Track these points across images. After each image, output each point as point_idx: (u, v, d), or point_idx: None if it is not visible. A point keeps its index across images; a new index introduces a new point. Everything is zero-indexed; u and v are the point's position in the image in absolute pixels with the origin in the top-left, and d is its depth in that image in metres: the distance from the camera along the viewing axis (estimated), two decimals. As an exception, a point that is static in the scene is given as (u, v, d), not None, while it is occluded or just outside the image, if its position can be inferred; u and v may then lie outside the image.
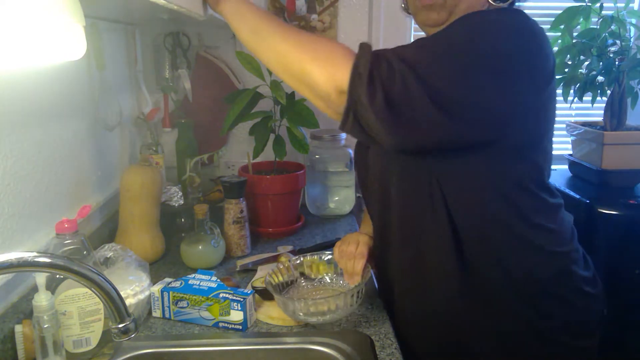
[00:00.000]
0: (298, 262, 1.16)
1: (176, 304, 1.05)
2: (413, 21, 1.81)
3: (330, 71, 0.82)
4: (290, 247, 1.41)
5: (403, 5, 1.07)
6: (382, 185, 1.00)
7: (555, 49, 1.73)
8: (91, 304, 0.91)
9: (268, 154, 1.53)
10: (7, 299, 0.95)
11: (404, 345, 0.99)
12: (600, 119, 1.79)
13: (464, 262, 0.93)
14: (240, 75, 1.79)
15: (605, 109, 1.71)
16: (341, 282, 1.14)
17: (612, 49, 1.66)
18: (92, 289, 0.71)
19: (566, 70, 1.71)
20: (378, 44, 1.79)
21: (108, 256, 1.09)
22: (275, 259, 1.31)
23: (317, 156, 1.70)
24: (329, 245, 1.41)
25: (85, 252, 0.95)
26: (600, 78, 1.68)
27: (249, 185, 1.44)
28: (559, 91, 1.74)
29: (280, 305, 1.02)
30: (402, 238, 0.99)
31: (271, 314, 1.06)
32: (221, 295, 1.02)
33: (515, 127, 0.86)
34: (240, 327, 1.01)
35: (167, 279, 1.11)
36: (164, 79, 1.74)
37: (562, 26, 1.70)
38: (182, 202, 1.50)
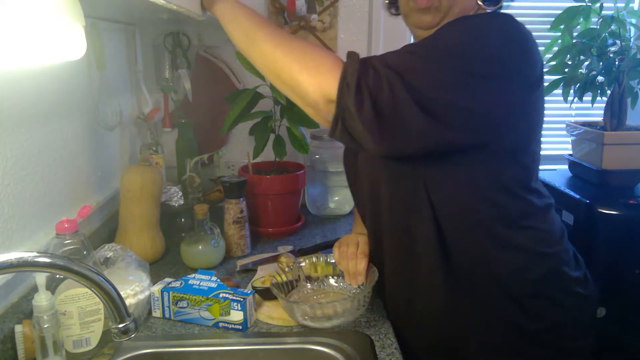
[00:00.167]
0: (303, 264, 1.15)
1: (176, 304, 1.05)
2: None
3: (319, 80, 0.83)
4: (290, 247, 1.41)
5: (387, 2, 1.07)
6: (372, 188, 1.01)
7: (555, 49, 1.73)
8: (91, 304, 0.91)
9: (268, 154, 1.53)
10: (7, 299, 0.95)
11: (401, 344, 0.99)
12: (600, 119, 1.79)
13: (451, 264, 0.93)
14: (240, 75, 1.79)
15: (605, 109, 1.71)
16: (342, 284, 1.13)
17: (612, 49, 1.66)
18: (92, 289, 0.71)
19: (566, 70, 1.71)
20: (378, 44, 1.79)
21: (108, 256, 1.09)
22: (275, 259, 1.31)
23: (317, 156, 1.70)
24: (329, 245, 1.41)
25: (85, 252, 0.94)
26: (600, 78, 1.68)
27: (249, 185, 1.44)
28: (558, 91, 1.74)
29: (287, 311, 1.01)
30: (392, 240, 1.00)
31: (271, 314, 1.06)
32: (221, 295, 1.02)
33: (503, 132, 0.87)
34: (240, 327, 1.01)
35: (167, 279, 1.11)
36: (164, 79, 1.74)
37: (562, 26, 1.70)
38: (182, 202, 1.50)
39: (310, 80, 0.83)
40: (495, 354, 0.96)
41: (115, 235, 1.32)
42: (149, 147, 1.60)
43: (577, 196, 1.61)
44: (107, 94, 1.37)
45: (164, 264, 1.34)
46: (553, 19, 1.70)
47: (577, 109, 2.00)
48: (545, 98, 0.94)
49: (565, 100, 1.74)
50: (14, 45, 0.70)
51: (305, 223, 1.63)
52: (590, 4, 1.64)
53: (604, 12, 1.63)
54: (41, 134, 1.09)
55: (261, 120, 1.52)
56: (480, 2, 0.94)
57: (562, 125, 1.90)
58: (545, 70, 0.97)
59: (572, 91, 1.73)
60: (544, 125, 0.96)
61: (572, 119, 1.92)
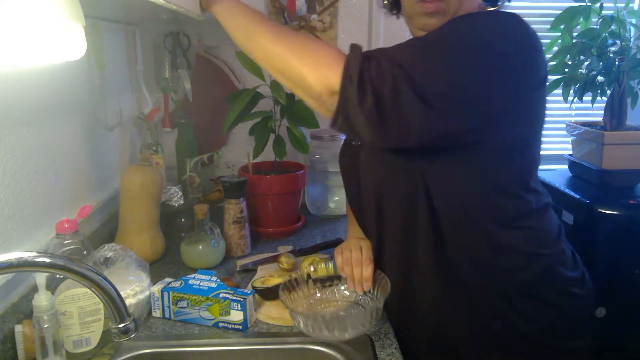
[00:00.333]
0: (312, 269, 1.10)
1: (176, 304, 1.05)
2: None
3: (322, 73, 0.84)
4: (290, 247, 1.41)
5: (387, 2, 1.07)
6: (375, 187, 1.00)
7: (555, 49, 1.73)
8: (91, 304, 0.91)
9: (268, 154, 1.53)
10: (7, 299, 0.95)
11: (400, 343, 0.99)
12: (600, 119, 1.79)
13: (447, 262, 0.93)
14: (240, 75, 1.79)
15: (605, 109, 1.71)
16: (347, 292, 1.08)
17: (612, 49, 1.66)
18: (92, 289, 0.71)
19: (566, 70, 1.71)
20: (378, 44, 1.79)
21: (108, 256, 1.09)
22: (275, 259, 1.31)
23: (317, 156, 1.70)
24: (329, 245, 1.41)
25: (85, 252, 0.94)
26: (600, 78, 1.68)
27: (249, 185, 1.44)
28: (558, 91, 1.74)
29: (300, 324, 0.95)
30: (393, 238, 1.00)
31: (271, 314, 1.06)
32: (221, 295, 1.02)
33: (504, 129, 0.86)
34: (240, 327, 1.01)
35: (167, 279, 1.11)
36: (164, 79, 1.74)
37: (562, 26, 1.70)
38: (182, 202, 1.50)
39: (313, 73, 0.84)
40: (492, 354, 0.96)
41: (115, 235, 1.32)
42: (149, 147, 1.60)
43: (577, 196, 1.61)
44: (107, 94, 1.37)
45: (164, 264, 1.34)
46: (553, 19, 1.70)
47: (577, 109, 2.00)
48: (546, 98, 0.94)
49: (565, 100, 1.74)
50: (14, 45, 0.70)
51: (305, 223, 1.63)
52: (590, 4, 1.64)
53: (604, 12, 1.63)
54: (41, 134, 1.09)
55: (261, 120, 1.52)
56: (484, 6, 0.94)
57: (562, 125, 1.90)
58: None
59: (572, 91, 1.73)
60: (544, 125, 0.95)
61: (572, 119, 1.92)
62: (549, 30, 1.74)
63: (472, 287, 0.93)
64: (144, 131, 1.68)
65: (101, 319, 0.92)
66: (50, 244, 0.94)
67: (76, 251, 0.93)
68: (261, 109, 1.51)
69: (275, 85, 1.42)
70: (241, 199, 1.40)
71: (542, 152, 0.98)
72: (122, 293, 0.74)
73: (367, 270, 1.03)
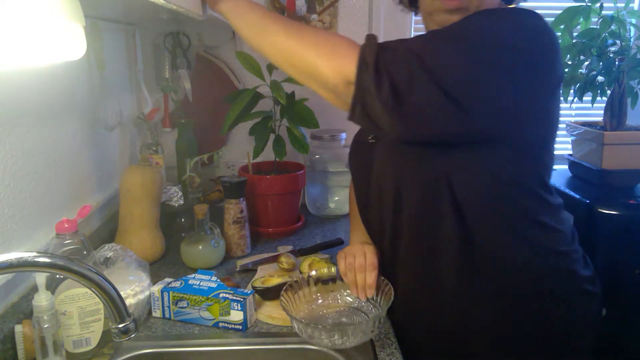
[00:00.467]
0: (313, 273, 1.08)
1: (176, 304, 1.05)
2: (413, 21, 1.82)
3: (337, 63, 0.83)
4: (290, 247, 1.41)
5: None
6: (393, 185, 0.98)
7: (555, 49, 1.73)
8: (91, 304, 0.91)
9: (268, 154, 1.53)
10: (7, 299, 0.95)
11: (407, 343, 0.99)
12: (600, 119, 1.79)
13: (472, 257, 0.92)
14: (240, 75, 1.79)
15: (605, 109, 1.71)
16: (349, 298, 1.07)
17: (612, 49, 1.66)
18: (92, 289, 0.71)
19: (566, 70, 1.71)
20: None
21: (108, 256, 1.09)
22: (275, 259, 1.31)
23: (317, 156, 1.70)
24: (329, 245, 1.41)
25: (85, 252, 0.94)
26: (600, 78, 1.68)
27: (249, 185, 1.44)
28: (559, 91, 1.74)
29: (301, 332, 0.94)
30: (413, 238, 0.98)
31: (271, 314, 1.06)
32: (221, 295, 1.02)
33: (524, 126, 0.87)
34: (240, 327, 1.01)
35: (167, 279, 1.11)
36: (164, 79, 1.74)
37: (562, 26, 1.70)
38: (182, 202, 1.50)
39: (328, 64, 0.83)
40: (505, 350, 0.96)
41: (115, 235, 1.32)
42: (149, 147, 1.60)
43: (577, 196, 1.61)
44: (107, 94, 1.37)
45: (164, 264, 1.34)
46: (553, 19, 1.70)
47: (577, 109, 2.00)
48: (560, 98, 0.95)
49: (565, 100, 1.74)
50: (14, 45, 0.70)
51: (305, 223, 1.63)
52: (590, 4, 1.64)
53: (604, 12, 1.63)
54: (41, 134, 1.09)
55: (261, 120, 1.52)
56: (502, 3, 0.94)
57: (562, 125, 1.90)
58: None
59: (572, 91, 1.73)
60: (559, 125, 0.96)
61: (572, 119, 1.92)
62: (549, 30, 1.73)
63: (494, 283, 0.93)
64: (144, 131, 1.68)
65: (101, 319, 0.92)
66: (50, 244, 0.95)
67: (76, 251, 0.93)
68: (261, 109, 1.51)
69: (275, 85, 1.42)
70: (241, 199, 1.40)
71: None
72: (122, 293, 0.74)
73: (371, 277, 1.01)
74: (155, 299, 1.06)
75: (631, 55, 1.63)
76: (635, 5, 1.93)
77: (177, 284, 1.07)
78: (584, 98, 1.73)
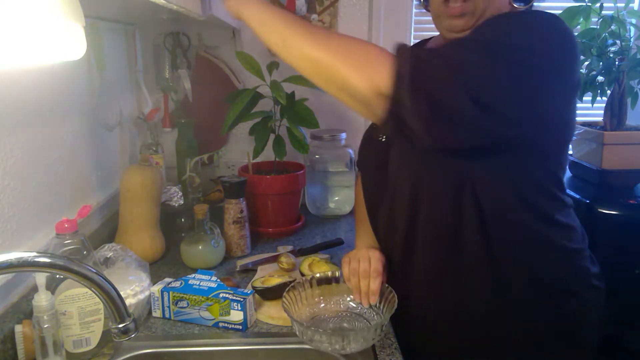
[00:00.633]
0: (317, 276, 1.07)
1: (176, 304, 1.05)
2: (413, 21, 1.82)
3: (369, 75, 0.80)
4: (290, 247, 1.41)
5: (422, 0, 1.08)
6: (410, 187, 0.97)
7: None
8: (91, 304, 0.91)
9: (268, 154, 1.53)
10: (7, 299, 0.95)
11: (412, 352, 1.00)
12: (600, 119, 1.79)
13: (493, 263, 0.94)
14: (240, 75, 1.79)
15: (605, 109, 1.71)
16: (352, 303, 1.05)
17: (612, 49, 1.66)
18: (92, 289, 0.71)
19: (566, 70, 1.71)
20: (378, 44, 1.79)
21: (108, 256, 1.09)
22: (275, 259, 1.31)
23: (317, 156, 1.70)
24: (329, 245, 1.41)
25: (85, 252, 0.95)
26: (600, 78, 1.68)
27: (249, 185, 1.44)
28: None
29: (301, 335, 0.93)
30: (431, 242, 0.98)
31: (271, 314, 1.06)
32: (221, 295, 1.02)
33: (552, 130, 0.88)
34: (240, 327, 1.01)
35: (167, 279, 1.11)
36: (164, 79, 1.74)
37: (562, 26, 1.70)
38: (182, 202, 1.50)
39: (359, 76, 0.80)
40: (519, 347, 0.98)
41: (115, 235, 1.32)
42: (149, 147, 1.60)
43: (577, 196, 1.61)
44: (107, 94, 1.37)
45: (164, 264, 1.34)
46: (553, 19, 1.70)
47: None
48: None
49: (565, 100, 1.74)
50: (13, 45, 0.70)
51: (305, 223, 1.63)
52: (590, 4, 1.64)
53: (604, 12, 1.63)
54: (41, 134, 1.09)
55: (261, 120, 1.52)
56: (514, 5, 0.94)
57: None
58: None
59: (572, 91, 1.73)
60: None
61: (572, 119, 1.92)
62: (549, 30, 1.73)
63: (512, 283, 0.95)
64: (144, 131, 1.68)
65: (101, 319, 0.92)
66: (50, 244, 0.94)
67: (76, 251, 0.93)
68: (261, 109, 1.51)
69: (275, 85, 1.42)
70: (241, 199, 1.40)
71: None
72: (122, 293, 0.74)
73: (375, 284, 1.00)
74: (155, 299, 1.06)
75: (631, 55, 1.63)
76: (635, 5, 1.93)
77: (177, 284, 1.07)
78: (584, 98, 1.73)
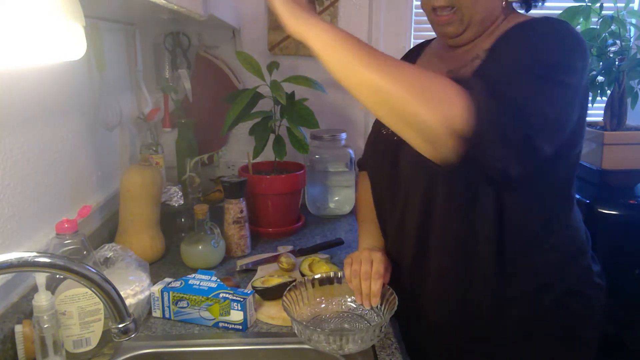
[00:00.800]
0: (318, 276, 1.07)
1: (176, 304, 1.05)
2: (413, 21, 1.82)
3: (443, 110, 0.74)
4: (290, 247, 1.41)
5: None
6: (425, 188, 0.97)
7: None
8: (91, 304, 0.91)
9: (268, 154, 1.53)
10: (7, 299, 0.95)
11: (417, 351, 1.02)
12: (600, 119, 1.79)
13: (507, 266, 0.95)
14: (240, 75, 1.79)
15: (605, 109, 1.71)
16: (354, 304, 1.05)
17: (612, 49, 1.66)
18: (92, 289, 0.71)
19: (566, 70, 1.71)
20: (378, 44, 1.79)
21: (108, 256, 1.09)
22: (275, 259, 1.31)
23: (317, 156, 1.70)
24: (329, 245, 1.41)
25: (85, 252, 0.94)
26: (600, 78, 1.68)
27: (249, 185, 1.44)
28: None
29: (300, 334, 0.94)
30: (443, 244, 0.99)
31: (271, 314, 1.06)
32: (221, 295, 1.02)
33: (573, 136, 0.91)
34: (240, 327, 1.01)
35: (167, 279, 1.11)
36: (164, 79, 1.74)
37: (562, 26, 1.70)
38: (182, 202, 1.50)
39: (432, 112, 0.74)
40: (526, 345, 0.99)
41: (115, 235, 1.32)
42: (149, 147, 1.60)
43: (577, 196, 1.60)
44: (107, 94, 1.37)
45: (164, 264, 1.34)
46: (553, 19, 1.70)
47: (577, 109, 2.00)
48: None
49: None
50: (14, 45, 0.70)
51: (305, 223, 1.63)
52: (590, 4, 1.64)
53: (604, 12, 1.63)
54: (41, 134, 1.09)
55: (261, 120, 1.52)
56: (515, 8, 0.98)
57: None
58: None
59: (572, 91, 1.73)
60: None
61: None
62: (549, 30, 1.73)
63: (526, 283, 0.97)
64: (144, 131, 1.68)
65: (101, 319, 0.92)
66: (50, 244, 0.94)
67: (76, 251, 0.93)
68: (261, 109, 1.51)
69: (275, 85, 1.42)
70: (241, 199, 1.40)
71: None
72: (122, 293, 0.74)
73: (376, 286, 0.99)
74: (155, 299, 1.06)
75: (631, 55, 1.63)
76: (635, 5, 1.93)
77: (177, 284, 1.07)
78: (584, 98, 1.73)
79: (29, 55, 0.74)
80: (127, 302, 0.98)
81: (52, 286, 0.87)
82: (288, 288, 1.02)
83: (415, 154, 0.92)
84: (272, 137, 1.51)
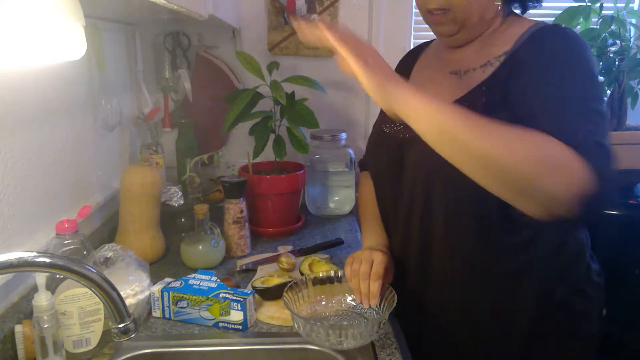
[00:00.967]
0: (319, 274, 1.07)
1: (176, 304, 1.05)
2: (413, 22, 1.82)
3: (567, 180, 0.73)
4: (290, 247, 1.41)
5: None
6: (430, 188, 0.97)
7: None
8: (91, 304, 0.91)
9: (268, 154, 1.53)
10: (7, 299, 0.95)
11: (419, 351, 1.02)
12: (600, 119, 1.79)
13: (516, 267, 0.96)
14: (240, 75, 1.79)
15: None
16: (354, 302, 1.06)
17: (612, 49, 1.66)
18: (92, 289, 0.71)
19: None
20: (378, 44, 1.79)
21: (108, 256, 1.09)
22: (275, 259, 1.31)
23: (317, 156, 1.70)
24: (329, 245, 1.41)
25: (85, 252, 0.94)
26: (600, 78, 1.68)
27: (249, 185, 1.44)
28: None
29: (300, 328, 0.94)
30: (450, 246, 0.99)
31: (271, 314, 1.06)
32: (221, 295, 1.02)
33: None
34: (240, 327, 1.01)
35: (167, 279, 1.11)
36: (164, 79, 1.74)
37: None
38: (182, 202, 1.50)
39: (556, 180, 0.73)
40: (530, 345, 1.00)
41: (115, 235, 1.32)
42: (149, 147, 1.60)
43: (577, 196, 1.61)
44: (107, 94, 1.37)
45: (164, 264, 1.34)
46: (553, 19, 1.70)
47: (577, 109, 1.99)
48: None
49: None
50: (14, 45, 0.70)
51: (305, 223, 1.63)
52: (590, 4, 1.64)
53: (604, 12, 1.63)
54: (41, 134, 1.09)
55: (261, 120, 1.52)
56: (514, 10, 0.98)
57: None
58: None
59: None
60: None
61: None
62: (549, 30, 1.73)
63: (534, 285, 0.97)
64: (144, 131, 1.68)
65: (101, 319, 0.92)
66: (50, 244, 0.94)
67: (76, 251, 0.93)
68: (261, 109, 1.51)
69: (275, 85, 1.42)
70: (241, 199, 1.40)
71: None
72: (122, 293, 0.74)
73: (375, 286, 0.99)
74: (155, 299, 1.06)
75: (631, 55, 1.63)
76: (635, 5, 1.93)
77: (177, 284, 1.07)
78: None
79: (29, 55, 0.74)
80: (127, 302, 0.98)
81: (52, 286, 0.87)
82: (289, 285, 1.02)
83: (421, 153, 0.91)
84: (272, 137, 1.51)
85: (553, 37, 0.90)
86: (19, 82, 1.00)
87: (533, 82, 0.86)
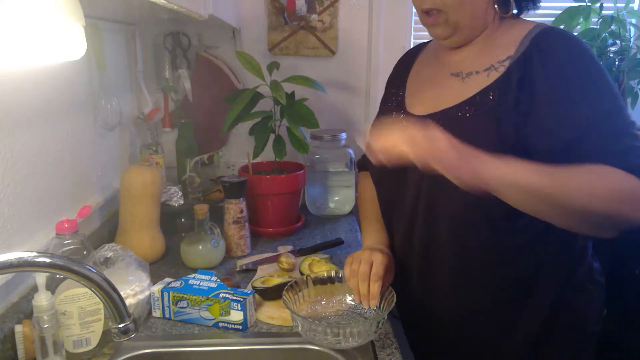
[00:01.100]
0: (319, 275, 1.08)
1: (176, 304, 1.05)
2: (413, 22, 1.82)
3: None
4: (290, 247, 1.41)
5: None
6: (432, 189, 0.97)
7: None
8: (91, 304, 0.91)
9: (268, 154, 1.53)
10: (7, 299, 0.95)
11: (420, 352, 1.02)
12: (600, 119, 1.79)
13: (517, 269, 0.97)
14: (240, 75, 1.79)
15: (605, 109, 1.71)
16: (353, 302, 1.05)
17: (612, 49, 1.66)
18: (92, 289, 0.71)
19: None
20: (378, 44, 1.79)
21: (108, 256, 1.09)
22: (275, 259, 1.31)
23: (317, 156, 1.70)
24: (329, 245, 1.41)
25: (85, 252, 0.94)
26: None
27: (249, 185, 1.44)
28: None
29: (299, 327, 0.94)
30: (452, 247, 0.99)
31: (271, 314, 1.06)
32: (221, 295, 1.02)
33: None
34: (240, 327, 1.01)
35: (167, 279, 1.11)
36: (164, 79, 1.74)
37: (562, 26, 1.70)
38: (182, 202, 1.50)
39: (634, 210, 0.80)
40: (532, 344, 1.00)
41: (115, 235, 1.32)
42: (149, 147, 1.60)
43: (577, 196, 1.61)
44: (107, 94, 1.37)
45: (164, 264, 1.34)
46: (553, 19, 1.70)
47: (577, 109, 1.99)
48: None
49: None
50: (14, 45, 0.70)
51: (305, 223, 1.63)
52: (590, 4, 1.64)
53: (604, 12, 1.63)
54: (41, 134, 1.09)
55: (261, 120, 1.52)
56: (510, 11, 0.99)
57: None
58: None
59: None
60: None
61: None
62: (549, 30, 1.73)
63: (535, 286, 0.98)
64: (144, 131, 1.68)
65: (101, 319, 0.92)
66: (50, 244, 0.94)
67: (76, 251, 0.93)
68: (261, 109, 1.51)
69: (275, 85, 1.42)
70: (241, 199, 1.40)
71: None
72: (122, 293, 0.74)
73: (374, 287, 0.98)
74: (155, 299, 1.06)
75: (631, 55, 1.63)
76: (635, 5, 1.93)
77: (177, 284, 1.07)
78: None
79: (29, 55, 0.74)
80: (127, 302, 0.98)
81: (52, 286, 0.87)
82: (289, 285, 1.02)
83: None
84: (272, 137, 1.51)
85: (559, 46, 0.90)
86: (19, 82, 1.00)
87: (555, 102, 0.87)
